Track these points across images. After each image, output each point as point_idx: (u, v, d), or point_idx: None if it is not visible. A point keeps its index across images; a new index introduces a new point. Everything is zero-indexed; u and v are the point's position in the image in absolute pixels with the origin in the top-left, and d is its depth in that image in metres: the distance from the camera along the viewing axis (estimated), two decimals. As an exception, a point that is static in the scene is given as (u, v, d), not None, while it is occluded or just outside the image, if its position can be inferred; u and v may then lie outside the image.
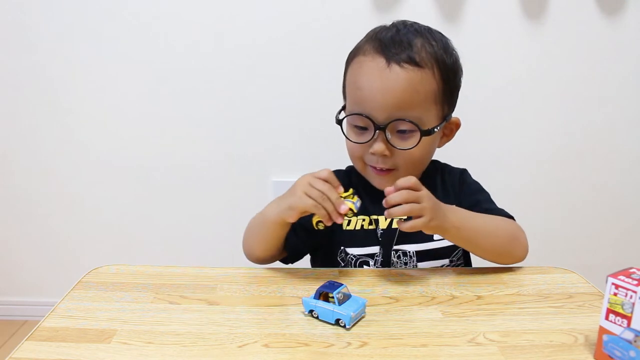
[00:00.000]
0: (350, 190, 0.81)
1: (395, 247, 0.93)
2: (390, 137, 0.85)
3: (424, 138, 0.86)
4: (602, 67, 1.66)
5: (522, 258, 0.88)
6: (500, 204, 0.95)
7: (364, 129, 0.87)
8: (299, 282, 0.83)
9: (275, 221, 0.84)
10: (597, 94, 1.69)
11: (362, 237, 0.93)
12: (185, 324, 0.70)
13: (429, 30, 0.90)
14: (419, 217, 0.77)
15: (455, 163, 1.03)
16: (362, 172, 0.93)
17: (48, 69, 1.63)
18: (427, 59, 0.85)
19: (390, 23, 0.92)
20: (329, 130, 1.60)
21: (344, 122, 0.91)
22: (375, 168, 0.89)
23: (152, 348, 0.65)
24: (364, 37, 0.93)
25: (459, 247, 0.93)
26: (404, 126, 0.85)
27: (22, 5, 1.57)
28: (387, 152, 0.86)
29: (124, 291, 0.79)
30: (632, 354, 0.58)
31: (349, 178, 0.98)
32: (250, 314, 0.73)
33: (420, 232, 0.81)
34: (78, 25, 1.59)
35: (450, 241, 0.87)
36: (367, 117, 0.85)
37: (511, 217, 0.92)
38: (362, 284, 0.82)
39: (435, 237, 0.91)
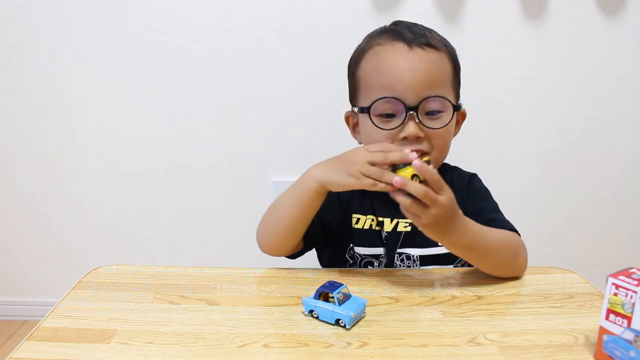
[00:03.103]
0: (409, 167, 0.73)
1: (399, 251, 0.92)
2: (421, 118, 0.84)
3: (450, 120, 0.86)
4: (602, 67, 1.67)
5: (520, 274, 0.86)
6: (499, 204, 0.95)
7: (390, 115, 0.85)
8: (299, 282, 0.83)
9: (317, 190, 0.80)
10: (597, 94, 1.69)
11: (369, 237, 0.93)
12: (185, 324, 0.70)
13: (428, 28, 0.91)
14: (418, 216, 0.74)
15: (454, 162, 1.03)
16: None
17: (48, 69, 1.63)
18: (439, 44, 0.87)
19: (388, 24, 0.93)
20: (329, 130, 1.61)
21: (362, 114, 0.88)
22: None
23: (152, 348, 0.64)
24: (366, 38, 0.92)
25: None
26: (434, 105, 0.84)
27: (22, 5, 1.57)
28: (421, 134, 0.84)
29: (123, 291, 0.79)
30: (632, 354, 0.58)
31: None
32: (250, 314, 0.73)
33: (425, 237, 0.79)
34: (78, 25, 1.59)
35: (449, 249, 0.83)
36: (397, 99, 0.83)
37: (515, 230, 0.89)
38: (363, 284, 0.82)
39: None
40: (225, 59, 1.62)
